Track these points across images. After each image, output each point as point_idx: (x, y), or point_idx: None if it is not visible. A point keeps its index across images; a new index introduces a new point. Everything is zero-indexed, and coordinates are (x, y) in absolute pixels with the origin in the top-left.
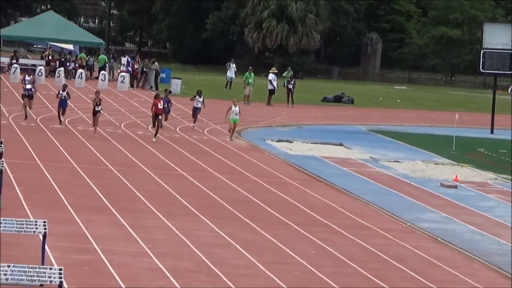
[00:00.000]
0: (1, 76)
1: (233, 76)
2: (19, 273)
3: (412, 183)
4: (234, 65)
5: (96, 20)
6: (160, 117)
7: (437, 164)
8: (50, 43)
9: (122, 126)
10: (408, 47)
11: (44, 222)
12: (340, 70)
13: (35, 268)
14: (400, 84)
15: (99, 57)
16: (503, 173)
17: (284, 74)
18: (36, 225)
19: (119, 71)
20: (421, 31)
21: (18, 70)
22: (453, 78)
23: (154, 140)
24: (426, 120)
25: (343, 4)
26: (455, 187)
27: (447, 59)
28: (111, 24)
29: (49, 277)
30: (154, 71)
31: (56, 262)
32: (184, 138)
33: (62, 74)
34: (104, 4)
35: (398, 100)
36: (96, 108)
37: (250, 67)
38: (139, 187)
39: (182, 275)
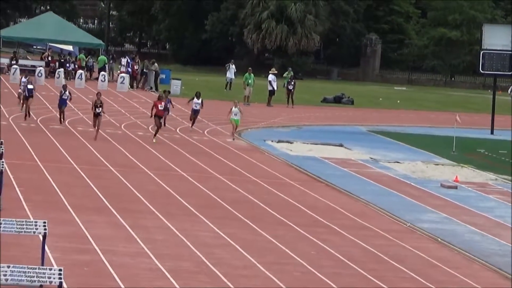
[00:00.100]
0: (1, 77)
1: (233, 77)
2: (19, 274)
3: (412, 183)
4: (233, 66)
5: (96, 21)
6: (161, 119)
7: (437, 164)
8: (50, 44)
9: (122, 127)
10: (407, 48)
11: (44, 222)
12: (339, 71)
13: (35, 268)
14: (399, 85)
15: (99, 58)
16: (503, 174)
17: (284, 75)
18: (36, 225)
19: (118, 72)
20: (420, 32)
21: (18, 71)
22: (452, 79)
23: (154, 140)
24: (426, 121)
25: (343, 5)
26: (455, 187)
27: (446, 60)
28: (111, 25)
29: (49, 277)
30: (154, 72)
31: (56, 262)
32: (184, 139)
33: (62, 75)
34: (103, 5)
35: (398, 101)
36: (97, 110)
37: (250, 68)
38: (139, 188)
39: (181, 276)
